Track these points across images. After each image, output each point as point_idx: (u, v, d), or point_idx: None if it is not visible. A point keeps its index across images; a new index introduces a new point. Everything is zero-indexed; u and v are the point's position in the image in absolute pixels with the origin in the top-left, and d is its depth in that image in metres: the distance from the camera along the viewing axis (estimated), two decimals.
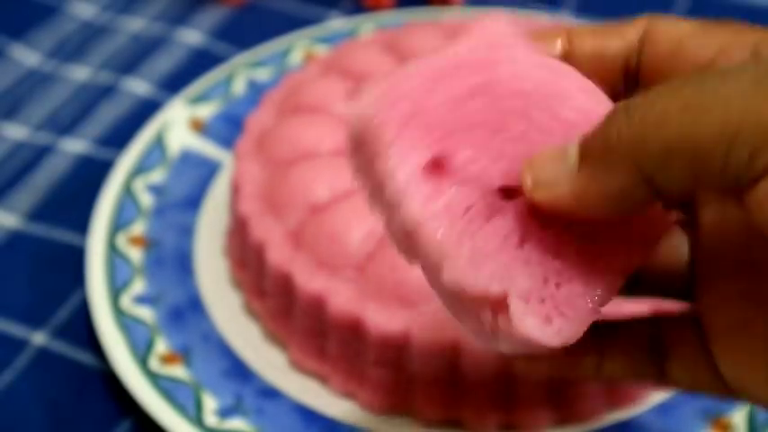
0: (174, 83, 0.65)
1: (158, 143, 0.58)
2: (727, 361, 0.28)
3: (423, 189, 0.28)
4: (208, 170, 0.57)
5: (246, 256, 0.50)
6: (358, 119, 0.28)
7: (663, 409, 0.46)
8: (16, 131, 0.63)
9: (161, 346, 0.48)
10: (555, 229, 0.28)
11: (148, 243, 0.53)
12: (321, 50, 0.63)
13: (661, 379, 0.31)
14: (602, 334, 0.31)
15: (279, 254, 0.47)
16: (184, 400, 0.46)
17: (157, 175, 0.56)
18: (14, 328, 0.51)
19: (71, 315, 0.52)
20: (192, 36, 0.69)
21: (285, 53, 0.64)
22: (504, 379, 0.44)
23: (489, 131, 0.28)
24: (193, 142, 0.58)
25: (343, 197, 0.48)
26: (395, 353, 0.45)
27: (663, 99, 0.24)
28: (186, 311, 0.50)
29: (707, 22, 0.30)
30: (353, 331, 0.45)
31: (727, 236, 0.29)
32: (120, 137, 0.61)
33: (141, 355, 0.47)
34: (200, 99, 0.60)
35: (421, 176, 0.28)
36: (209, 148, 0.58)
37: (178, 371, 0.47)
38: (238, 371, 0.47)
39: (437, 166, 0.28)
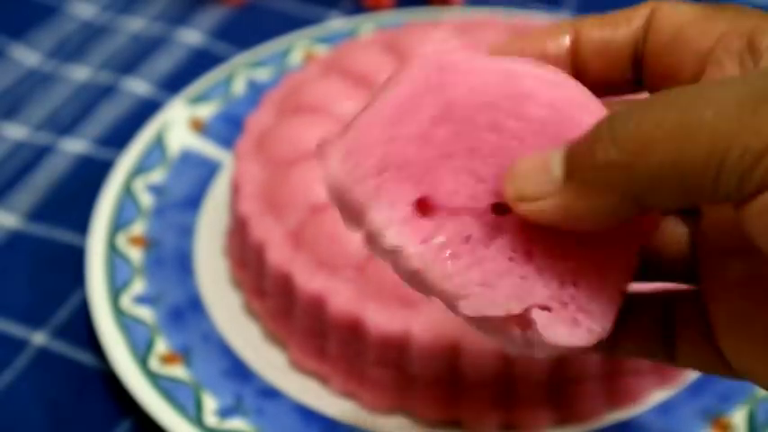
0: (174, 83, 0.65)
1: (158, 143, 0.58)
2: (729, 347, 0.28)
3: (416, 235, 0.27)
4: (208, 170, 0.57)
5: (246, 256, 0.50)
6: (332, 183, 0.27)
7: (663, 409, 0.46)
8: (16, 131, 0.63)
9: (161, 346, 0.48)
10: (556, 229, 0.28)
11: (148, 243, 0.53)
12: (321, 50, 0.63)
13: (670, 359, 0.31)
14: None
15: (279, 254, 0.47)
16: (184, 400, 0.46)
17: (157, 175, 0.56)
18: (14, 328, 0.51)
19: (71, 315, 0.52)
20: (191, 36, 0.69)
21: (285, 53, 0.64)
22: (504, 379, 0.44)
23: (464, 155, 0.28)
24: (193, 142, 0.58)
25: None
26: (395, 353, 0.45)
27: (647, 122, 0.24)
28: (186, 311, 0.50)
29: (708, 7, 0.29)
30: (353, 331, 0.45)
31: (726, 223, 0.29)
32: (120, 137, 0.61)
33: (141, 355, 0.47)
34: (200, 99, 0.60)
35: (411, 223, 0.27)
36: (209, 148, 0.58)
37: (178, 371, 0.47)
38: (238, 371, 0.47)
39: (424, 207, 0.28)
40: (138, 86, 0.65)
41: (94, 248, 0.52)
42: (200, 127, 0.59)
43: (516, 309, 0.27)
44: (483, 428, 0.45)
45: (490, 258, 0.28)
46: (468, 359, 0.44)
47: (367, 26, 0.65)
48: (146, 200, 0.55)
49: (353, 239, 0.46)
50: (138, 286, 0.51)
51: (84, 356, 0.50)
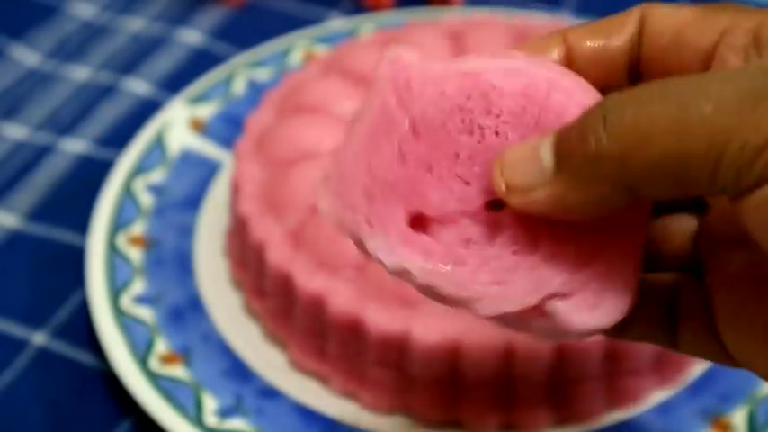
0: (174, 83, 0.65)
1: (158, 143, 0.58)
2: (731, 337, 0.28)
3: (417, 252, 0.28)
4: (208, 170, 0.57)
5: (246, 256, 0.50)
6: (331, 222, 0.28)
7: (663, 409, 0.46)
8: (16, 131, 0.63)
9: (161, 346, 0.48)
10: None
11: (148, 243, 0.53)
12: (321, 50, 0.63)
13: (673, 346, 0.31)
14: None
15: (279, 254, 0.47)
16: (184, 400, 0.46)
17: (157, 175, 0.56)
18: (14, 328, 0.51)
19: (71, 315, 0.52)
20: (191, 36, 0.69)
21: (285, 53, 0.64)
22: (504, 379, 0.44)
23: (445, 163, 0.28)
24: (193, 142, 0.58)
25: None
26: (395, 353, 0.45)
27: (645, 116, 0.24)
28: (186, 311, 0.50)
29: (705, 7, 0.29)
30: (353, 331, 0.45)
31: (731, 214, 0.29)
32: (120, 137, 0.61)
33: (141, 355, 0.47)
34: (200, 99, 0.60)
35: (409, 242, 0.28)
36: (209, 148, 0.58)
37: (178, 371, 0.47)
38: (238, 371, 0.47)
39: (418, 223, 0.28)
40: (138, 86, 0.65)
41: (94, 248, 0.52)
42: (200, 127, 0.59)
43: (533, 300, 0.27)
44: (483, 428, 0.45)
45: (495, 256, 0.28)
46: (468, 359, 0.44)
47: (367, 26, 0.65)
48: (146, 200, 0.55)
49: None
50: (138, 286, 0.51)
51: (84, 356, 0.50)
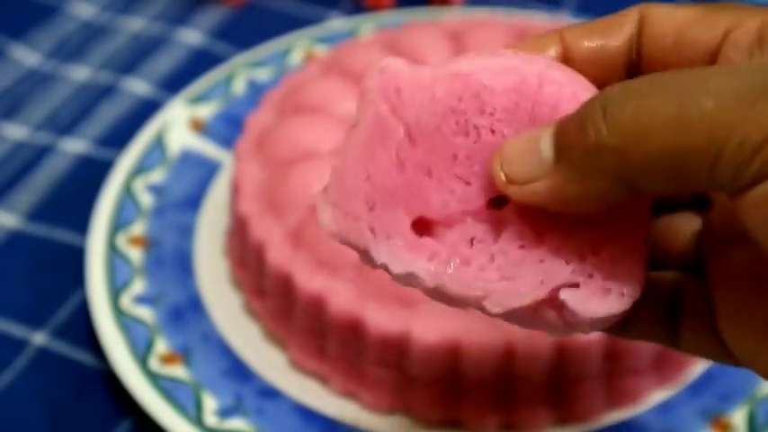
0: (174, 83, 0.65)
1: (158, 143, 0.58)
2: (731, 336, 0.28)
3: (422, 255, 0.28)
4: (208, 170, 0.57)
5: (246, 256, 0.50)
6: (332, 235, 0.28)
7: (663, 409, 0.46)
8: (16, 131, 0.63)
9: (161, 346, 0.48)
10: None
11: (148, 243, 0.53)
12: (321, 50, 0.63)
13: (674, 345, 0.31)
14: None
15: (279, 254, 0.47)
16: (184, 400, 0.46)
17: (157, 175, 0.56)
18: (14, 328, 0.51)
19: (71, 315, 0.52)
20: (191, 36, 0.69)
21: (285, 53, 0.64)
22: (505, 379, 0.44)
23: (445, 165, 0.28)
24: (193, 142, 0.58)
25: None
26: (395, 353, 0.45)
27: (645, 110, 0.24)
28: (186, 311, 0.50)
29: (706, 7, 0.29)
30: (353, 331, 0.45)
31: (732, 212, 0.29)
32: (120, 137, 0.61)
33: (141, 355, 0.47)
34: (200, 99, 0.60)
35: (413, 247, 0.28)
36: (209, 148, 0.58)
37: (178, 371, 0.47)
38: (238, 371, 0.47)
39: (422, 227, 0.28)
40: (138, 86, 0.65)
41: (94, 248, 0.52)
42: (200, 127, 0.59)
43: (542, 293, 0.27)
44: (483, 428, 0.45)
45: (501, 252, 0.28)
46: (468, 359, 0.44)
47: (367, 26, 0.65)
48: (146, 200, 0.55)
49: None
50: (138, 286, 0.51)
51: (84, 356, 0.50)
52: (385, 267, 0.28)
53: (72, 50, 0.69)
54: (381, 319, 0.44)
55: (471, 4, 0.71)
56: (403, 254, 0.28)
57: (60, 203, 0.58)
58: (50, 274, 0.54)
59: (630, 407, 0.46)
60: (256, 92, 0.60)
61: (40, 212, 0.57)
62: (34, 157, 0.61)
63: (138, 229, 0.53)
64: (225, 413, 0.45)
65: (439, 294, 0.28)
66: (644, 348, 0.45)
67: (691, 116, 0.23)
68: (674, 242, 0.31)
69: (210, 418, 0.45)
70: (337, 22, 0.68)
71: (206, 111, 0.60)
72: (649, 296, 0.30)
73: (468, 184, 0.28)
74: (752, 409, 0.45)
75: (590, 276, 0.27)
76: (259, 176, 0.51)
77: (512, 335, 0.43)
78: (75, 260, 0.54)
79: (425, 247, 0.28)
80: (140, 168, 0.56)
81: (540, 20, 0.62)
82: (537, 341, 0.43)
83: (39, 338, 0.51)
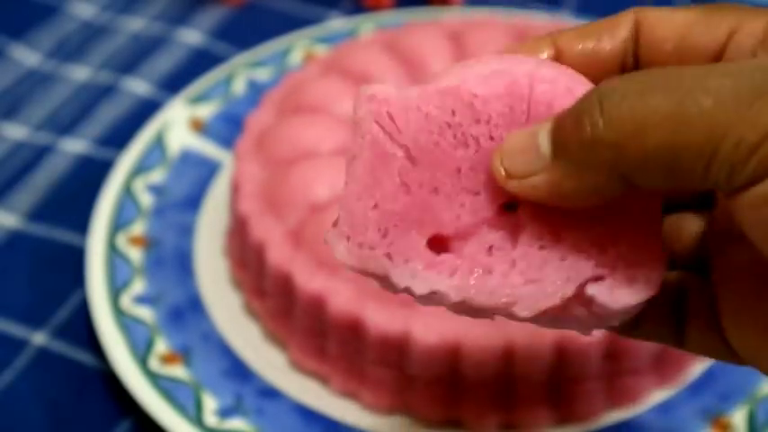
0: (174, 83, 0.65)
1: (158, 143, 0.58)
2: (735, 335, 0.28)
3: (443, 272, 0.28)
4: (208, 170, 0.57)
5: (246, 256, 0.50)
6: (349, 267, 0.28)
7: (663, 409, 0.46)
8: (16, 131, 0.63)
9: (161, 346, 0.48)
10: None
11: (148, 243, 0.53)
12: (321, 50, 0.63)
13: (679, 344, 0.31)
14: None
15: (279, 254, 0.47)
16: (184, 400, 0.46)
17: (157, 175, 0.56)
18: (14, 328, 0.51)
19: (71, 315, 0.52)
20: (191, 36, 0.69)
21: (285, 53, 0.64)
22: (505, 379, 0.44)
23: (450, 180, 0.28)
24: (193, 142, 0.58)
25: None
26: (395, 353, 0.45)
27: (642, 106, 0.24)
28: (186, 311, 0.50)
29: (704, 9, 0.29)
30: (353, 331, 0.45)
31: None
32: (120, 137, 0.61)
33: (141, 355, 0.47)
34: (200, 99, 0.60)
35: (433, 265, 0.28)
36: (209, 148, 0.58)
37: (178, 371, 0.47)
38: (238, 371, 0.47)
39: (438, 245, 0.28)
40: (138, 86, 0.65)
41: (94, 248, 0.52)
42: (200, 127, 0.59)
43: (570, 291, 0.27)
44: (483, 428, 0.45)
45: (522, 256, 0.28)
46: (468, 359, 0.44)
47: (367, 26, 0.65)
48: (146, 200, 0.55)
49: None
50: (138, 286, 0.51)
51: (84, 356, 0.50)
52: (408, 290, 0.28)
53: (72, 50, 0.69)
54: (381, 319, 0.44)
55: (471, 4, 0.71)
56: (424, 274, 0.28)
57: (60, 203, 0.58)
58: (50, 274, 0.54)
59: (630, 407, 0.46)
60: (256, 92, 0.60)
61: (40, 212, 0.57)
62: (34, 157, 0.61)
63: (138, 228, 0.53)
64: (225, 413, 0.45)
65: (465, 308, 0.28)
66: (644, 348, 0.45)
67: (688, 113, 0.23)
68: (678, 241, 0.31)
69: (210, 418, 0.45)
70: (337, 22, 0.68)
71: (206, 111, 0.60)
72: (656, 297, 0.31)
73: (476, 194, 0.28)
74: (752, 409, 0.45)
75: (614, 267, 0.27)
76: (259, 176, 0.51)
77: (512, 335, 0.43)
78: (75, 260, 0.54)
79: (445, 264, 0.28)
80: (140, 168, 0.56)
81: (540, 20, 0.62)
82: (537, 341, 0.43)
83: (39, 338, 0.51)
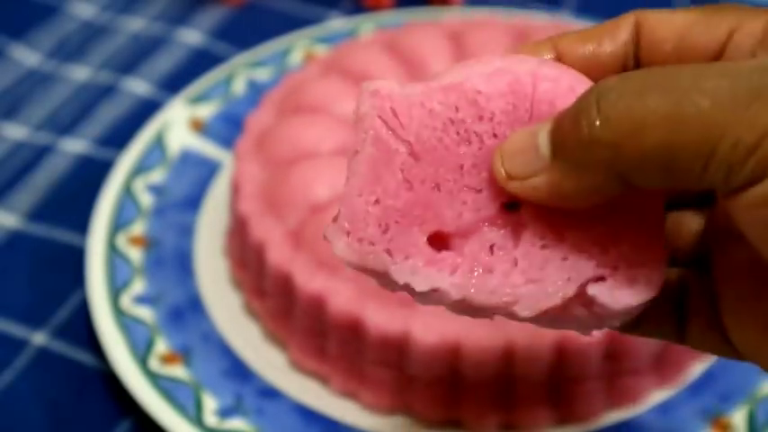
0: (174, 83, 0.65)
1: (158, 143, 0.58)
2: (736, 331, 0.28)
3: (443, 270, 0.28)
4: (208, 170, 0.57)
5: (246, 256, 0.50)
6: (348, 264, 0.28)
7: (663, 409, 0.46)
8: (16, 131, 0.63)
9: (161, 346, 0.48)
10: None
11: (148, 243, 0.53)
12: (321, 50, 0.63)
13: (681, 341, 0.31)
14: None
15: (279, 254, 0.47)
16: (184, 400, 0.46)
17: (157, 175, 0.56)
18: (14, 328, 0.51)
19: (71, 315, 0.52)
20: (191, 36, 0.69)
21: (285, 53, 0.64)
22: (505, 379, 0.44)
23: (452, 176, 0.28)
24: (193, 142, 0.58)
25: None
26: (395, 353, 0.45)
27: (640, 106, 0.24)
28: (186, 311, 0.50)
29: (704, 10, 0.29)
30: (353, 331, 0.45)
31: None
32: (120, 137, 0.61)
33: (141, 355, 0.47)
34: (200, 99, 0.60)
35: (433, 262, 0.28)
36: (209, 148, 0.58)
37: (178, 371, 0.47)
38: (238, 371, 0.47)
39: (439, 242, 0.28)
40: (138, 86, 0.65)
41: (94, 248, 0.52)
42: (200, 127, 0.59)
43: (571, 290, 0.27)
44: (483, 428, 0.45)
45: (523, 255, 0.28)
46: (468, 359, 0.44)
47: (367, 26, 0.65)
48: (146, 200, 0.55)
49: None
50: (138, 286, 0.51)
51: (84, 356, 0.50)
52: (407, 287, 0.28)
53: (72, 50, 0.69)
54: (381, 318, 0.44)
55: (471, 4, 0.71)
56: (424, 271, 0.28)
57: (60, 203, 0.58)
58: (50, 274, 0.54)
59: (630, 407, 0.46)
60: (256, 92, 0.60)
61: (40, 212, 0.57)
62: (34, 157, 0.61)
63: (138, 228, 0.53)
64: (225, 413, 0.45)
65: (464, 307, 0.28)
66: (644, 348, 0.45)
67: (686, 114, 0.23)
68: (679, 239, 0.31)
69: (210, 418, 0.45)
70: (337, 22, 0.68)
71: (206, 111, 0.60)
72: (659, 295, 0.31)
73: (478, 191, 0.28)
74: (752, 409, 0.45)
75: (615, 268, 0.27)
76: (259, 176, 0.51)
77: (512, 335, 0.43)
78: (75, 260, 0.54)
79: (446, 261, 0.28)
80: (140, 168, 0.56)
81: (540, 20, 0.62)
82: (537, 341, 0.43)
83: (39, 338, 0.51)
